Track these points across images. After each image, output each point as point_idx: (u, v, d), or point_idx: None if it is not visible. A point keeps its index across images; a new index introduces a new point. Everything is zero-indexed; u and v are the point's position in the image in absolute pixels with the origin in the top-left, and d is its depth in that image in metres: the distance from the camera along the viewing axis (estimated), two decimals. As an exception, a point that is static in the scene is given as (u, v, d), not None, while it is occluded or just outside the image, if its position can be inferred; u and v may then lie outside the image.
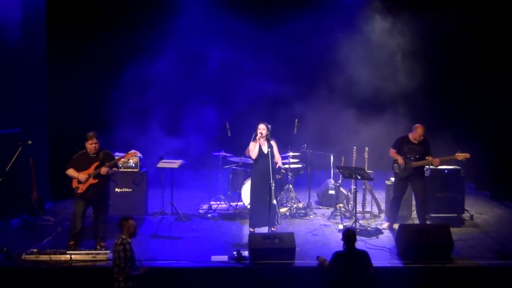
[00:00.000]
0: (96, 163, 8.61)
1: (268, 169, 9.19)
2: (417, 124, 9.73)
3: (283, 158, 10.88)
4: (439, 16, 12.91)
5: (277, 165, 9.58)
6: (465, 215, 10.67)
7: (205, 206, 11.17)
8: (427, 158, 9.64)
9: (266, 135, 9.39)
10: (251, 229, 9.48)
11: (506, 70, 12.48)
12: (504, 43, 12.65)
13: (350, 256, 7.35)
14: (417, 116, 12.35)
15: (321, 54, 13.42)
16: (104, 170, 8.55)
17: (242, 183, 10.91)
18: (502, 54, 12.68)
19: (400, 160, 9.70)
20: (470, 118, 13.15)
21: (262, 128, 9.36)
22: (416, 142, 9.70)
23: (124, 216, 7.32)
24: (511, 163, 12.22)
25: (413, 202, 10.35)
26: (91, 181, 8.57)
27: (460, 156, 9.52)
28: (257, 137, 9.32)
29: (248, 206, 10.50)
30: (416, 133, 9.67)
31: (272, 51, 13.53)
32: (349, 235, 7.36)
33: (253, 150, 9.39)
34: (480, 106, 13.00)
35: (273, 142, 9.47)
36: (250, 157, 9.64)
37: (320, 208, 11.34)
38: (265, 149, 9.36)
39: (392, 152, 9.85)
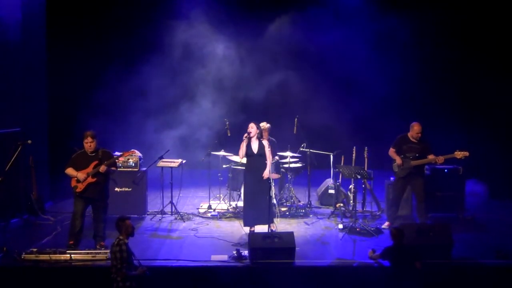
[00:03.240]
0: (95, 162, 8.64)
1: (259, 168, 9.18)
2: (414, 122, 9.73)
3: (283, 157, 10.90)
4: (438, 9, 12.92)
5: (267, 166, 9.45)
6: (465, 214, 10.65)
7: (205, 206, 11.17)
8: (428, 157, 9.63)
9: (257, 134, 9.36)
10: (251, 229, 9.48)
11: (508, 67, 12.50)
12: (506, 39, 12.66)
13: (398, 250, 7.58)
14: (417, 114, 12.35)
15: (321, 53, 13.42)
16: (102, 168, 8.58)
17: (242, 182, 10.88)
18: (503, 51, 12.68)
19: (398, 160, 9.69)
20: (470, 117, 13.16)
21: (250, 127, 9.34)
22: (415, 141, 9.70)
23: (121, 217, 7.34)
24: (511, 162, 12.23)
25: (413, 202, 10.34)
26: (90, 179, 8.59)
27: (459, 154, 9.51)
28: (244, 137, 9.30)
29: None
30: (414, 131, 9.67)
31: (273, 49, 13.53)
32: (393, 233, 7.64)
33: (240, 150, 9.38)
34: (480, 105, 13.01)
35: (265, 142, 9.42)
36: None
37: (320, 208, 11.34)
38: (255, 148, 9.33)
39: (392, 151, 9.85)
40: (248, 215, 9.43)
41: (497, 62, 12.75)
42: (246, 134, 9.30)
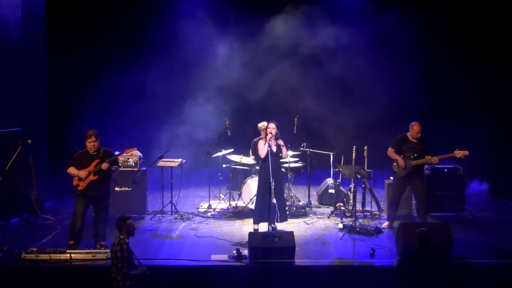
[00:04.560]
0: (97, 161, 8.65)
1: (275, 167, 9.23)
2: (413, 122, 9.73)
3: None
4: (435, 6, 12.90)
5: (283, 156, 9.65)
6: (465, 214, 10.66)
7: (205, 205, 11.17)
8: (426, 157, 9.64)
9: (276, 134, 9.39)
10: (255, 227, 9.47)
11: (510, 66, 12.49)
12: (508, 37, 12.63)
13: (423, 253, 7.40)
14: (417, 113, 12.36)
15: (322, 53, 13.41)
16: (105, 165, 8.57)
17: (242, 182, 10.90)
18: (506, 49, 12.65)
19: (400, 160, 9.68)
20: (470, 116, 13.14)
21: (272, 128, 9.36)
22: (415, 140, 9.70)
23: (121, 216, 7.33)
24: (511, 161, 12.22)
25: (413, 201, 10.35)
26: (91, 178, 8.60)
27: (459, 153, 9.52)
28: (268, 137, 9.32)
29: (249, 205, 10.53)
30: (413, 131, 9.67)
31: (272, 48, 13.53)
32: (419, 236, 7.42)
33: (262, 149, 9.39)
34: (480, 103, 13.00)
35: (280, 141, 9.48)
36: (256, 156, 9.65)
37: (319, 207, 11.34)
38: (274, 148, 9.36)
39: (391, 151, 9.84)
40: (261, 214, 9.40)
41: (499, 60, 12.72)
42: (270, 135, 9.31)
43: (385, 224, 10.05)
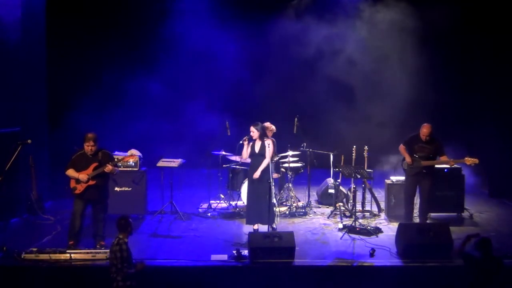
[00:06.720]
0: (95, 164, 8.62)
1: (257, 166, 9.22)
2: (424, 124, 9.60)
3: (283, 157, 10.90)
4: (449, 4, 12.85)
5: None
6: (465, 214, 10.67)
7: (205, 205, 11.17)
8: (440, 158, 9.59)
9: (260, 135, 9.38)
10: (254, 227, 9.46)
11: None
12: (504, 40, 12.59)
13: (485, 261, 7.02)
14: (416, 113, 12.34)
15: (320, 51, 13.40)
16: (109, 168, 8.55)
17: (242, 182, 10.89)
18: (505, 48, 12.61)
19: (408, 158, 9.61)
20: (469, 115, 13.13)
21: (250, 131, 9.43)
22: (426, 141, 9.62)
23: (122, 216, 7.34)
24: (511, 161, 12.21)
25: (415, 201, 10.30)
26: (90, 182, 8.58)
27: (469, 160, 9.46)
28: (242, 140, 9.41)
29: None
30: (422, 133, 9.59)
31: (273, 49, 13.53)
32: (480, 243, 7.04)
33: (243, 150, 9.49)
34: (480, 103, 12.98)
35: (268, 142, 9.44)
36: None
37: (319, 207, 11.34)
38: (257, 148, 9.38)
39: (402, 148, 9.75)
40: (251, 214, 9.45)
41: (499, 60, 12.69)
42: (245, 137, 9.37)
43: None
